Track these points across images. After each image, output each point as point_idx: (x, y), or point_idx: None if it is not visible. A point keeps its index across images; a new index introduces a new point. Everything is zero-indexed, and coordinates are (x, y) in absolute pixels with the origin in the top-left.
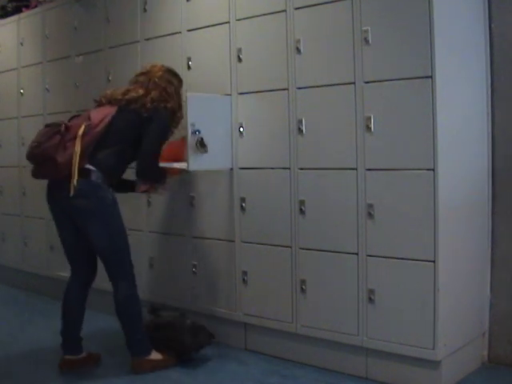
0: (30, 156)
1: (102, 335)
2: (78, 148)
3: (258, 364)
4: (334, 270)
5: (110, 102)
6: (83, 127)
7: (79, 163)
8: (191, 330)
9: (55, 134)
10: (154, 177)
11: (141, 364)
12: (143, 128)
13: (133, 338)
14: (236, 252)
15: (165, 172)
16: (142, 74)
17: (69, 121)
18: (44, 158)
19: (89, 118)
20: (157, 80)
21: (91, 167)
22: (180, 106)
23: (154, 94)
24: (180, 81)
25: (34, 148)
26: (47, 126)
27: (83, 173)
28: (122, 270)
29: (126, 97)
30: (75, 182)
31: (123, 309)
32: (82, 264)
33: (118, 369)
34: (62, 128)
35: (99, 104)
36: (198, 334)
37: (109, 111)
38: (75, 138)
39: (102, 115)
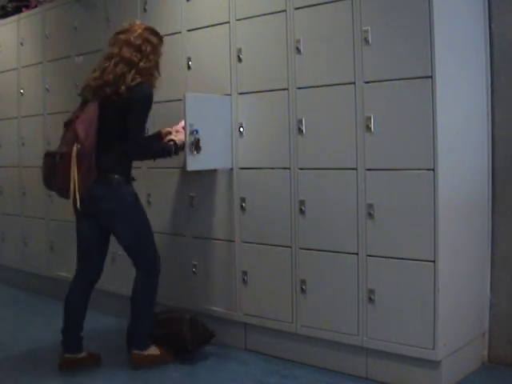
0: (50, 189)
1: (102, 335)
2: (74, 174)
3: (258, 364)
4: (333, 270)
5: (94, 94)
6: (75, 149)
7: (85, 180)
8: (191, 323)
9: (55, 166)
10: (145, 154)
11: (139, 358)
12: (127, 111)
13: (138, 330)
14: (236, 252)
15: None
16: (121, 32)
17: (63, 133)
18: (57, 188)
19: (76, 135)
20: (132, 39)
21: (104, 170)
22: (157, 65)
23: (120, 67)
24: (160, 39)
25: (46, 183)
26: (46, 155)
27: (100, 178)
28: (146, 262)
29: (99, 82)
30: (78, 204)
31: (138, 299)
32: (92, 263)
33: (118, 369)
34: (57, 159)
35: (84, 101)
36: (197, 328)
37: (92, 115)
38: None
39: (86, 124)
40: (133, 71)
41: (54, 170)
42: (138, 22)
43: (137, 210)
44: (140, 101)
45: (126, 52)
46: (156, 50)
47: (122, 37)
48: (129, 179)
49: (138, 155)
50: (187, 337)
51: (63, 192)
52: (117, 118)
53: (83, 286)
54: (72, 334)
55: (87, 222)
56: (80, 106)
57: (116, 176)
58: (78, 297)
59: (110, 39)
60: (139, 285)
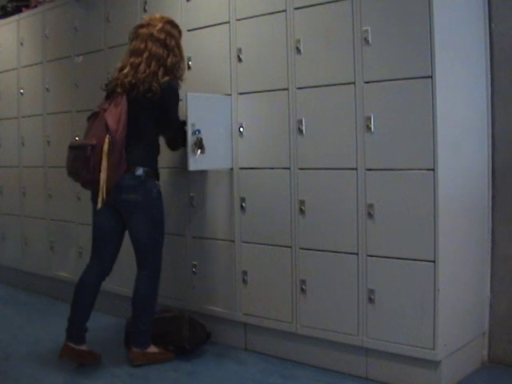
0: (77, 181)
1: (102, 335)
2: (105, 165)
3: (257, 364)
4: (334, 270)
5: (124, 91)
6: (107, 141)
7: (115, 172)
8: (188, 323)
9: (87, 158)
10: (183, 142)
11: (139, 356)
12: (159, 109)
13: (138, 328)
14: (236, 252)
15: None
16: (142, 26)
17: (88, 125)
18: (87, 180)
19: (106, 126)
20: (155, 33)
21: (133, 163)
22: (182, 58)
23: (153, 65)
24: (180, 32)
25: (75, 176)
26: (73, 147)
27: (129, 170)
28: (152, 261)
29: (133, 81)
30: (105, 196)
31: (140, 296)
32: (107, 255)
33: (118, 369)
34: (88, 151)
35: (108, 94)
36: (195, 327)
37: (121, 108)
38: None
39: (116, 116)
40: (162, 68)
41: (86, 163)
42: (157, 15)
43: (159, 207)
44: (172, 97)
45: (154, 47)
46: (178, 43)
47: (144, 31)
48: (157, 173)
49: (180, 143)
50: (185, 336)
51: (92, 184)
52: (146, 112)
53: (95, 277)
54: (77, 323)
55: (108, 212)
56: (105, 100)
57: (145, 168)
58: (89, 287)
59: (130, 33)
60: (142, 285)
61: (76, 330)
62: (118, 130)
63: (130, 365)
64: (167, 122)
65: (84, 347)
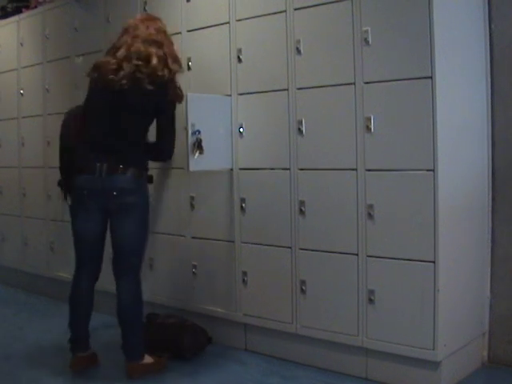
0: None
1: (102, 334)
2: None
3: (258, 364)
4: (334, 271)
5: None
6: None
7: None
8: (191, 331)
9: None
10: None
11: (135, 369)
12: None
13: (131, 341)
14: (236, 252)
15: None
16: (125, 32)
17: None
18: None
19: None
20: (146, 35)
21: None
22: (171, 44)
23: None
24: (161, 21)
25: None
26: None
27: (125, 170)
28: (137, 269)
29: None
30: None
31: (129, 311)
32: (94, 258)
33: (118, 369)
34: None
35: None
36: (196, 335)
37: None
38: None
39: None
40: None
41: None
42: (133, 19)
43: (148, 209)
44: (172, 100)
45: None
46: (165, 33)
47: (125, 38)
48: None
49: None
50: (186, 346)
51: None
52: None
53: (88, 280)
54: (81, 331)
55: (93, 215)
56: None
57: (145, 173)
58: (85, 291)
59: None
60: (128, 296)
61: (82, 340)
62: None
63: (128, 378)
64: (164, 131)
65: (90, 351)
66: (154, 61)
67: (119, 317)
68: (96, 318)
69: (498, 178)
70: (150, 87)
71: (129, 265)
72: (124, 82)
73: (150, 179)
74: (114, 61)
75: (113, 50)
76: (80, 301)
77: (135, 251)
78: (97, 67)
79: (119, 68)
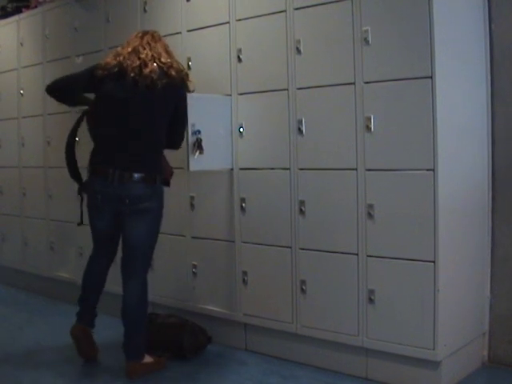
0: None
1: (101, 335)
2: None
3: (258, 364)
4: (334, 270)
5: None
6: None
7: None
8: (190, 332)
9: None
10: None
11: (135, 369)
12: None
13: (133, 341)
14: (236, 252)
15: None
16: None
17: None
18: None
19: None
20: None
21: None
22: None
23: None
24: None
25: None
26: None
27: (146, 176)
28: (145, 272)
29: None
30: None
31: (134, 312)
32: (111, 244)
33: (117, 369)
34: None
35: None
36: (196, 336)
37: None
38: None
39: None
40: None
41: None
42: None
43: (161, 215)
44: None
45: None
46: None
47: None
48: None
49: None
50: (186, 346)
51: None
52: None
53: (104, 260)
54: (88, 306)
55: (105, 217)
56: None
57: (159, 176)
58: (98, 269)
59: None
60: (135, 296)
61: (87, 313)
62: None
63: (128, 378)
64: (180, 125)
65: (92, 335)
66: (174, 62)
67: (123, 316)
68: (96, 318)
69: (498, 178)
70: (176, 80)
71: (138, 266)
72: (154, 76)
73: (167, 182)
74: (137, 60)
75: (128, 49)
76: (93, 277)
77: (145, 253)
78: (116, 65)
79: (145, 65)
